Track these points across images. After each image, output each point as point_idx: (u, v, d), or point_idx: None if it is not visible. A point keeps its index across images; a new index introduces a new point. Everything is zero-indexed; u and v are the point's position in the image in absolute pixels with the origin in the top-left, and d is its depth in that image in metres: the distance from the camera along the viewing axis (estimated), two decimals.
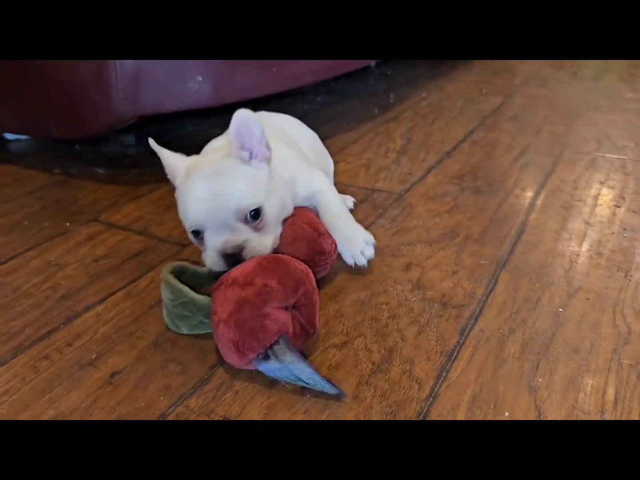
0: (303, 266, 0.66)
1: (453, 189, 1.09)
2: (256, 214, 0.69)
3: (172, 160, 0.75)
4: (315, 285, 0.66)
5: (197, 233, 0.70)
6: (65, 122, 1.15)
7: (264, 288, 0.61)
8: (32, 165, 1.29)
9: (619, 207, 1.00)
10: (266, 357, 0.60)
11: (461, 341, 0.68)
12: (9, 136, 1.43)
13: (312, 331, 0.64)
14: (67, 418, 0.59)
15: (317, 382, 0.59)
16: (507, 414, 0.57)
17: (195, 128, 1.51)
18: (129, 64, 1.05)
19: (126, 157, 1.34)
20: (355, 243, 0.79)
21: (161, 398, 0.61)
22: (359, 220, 0.84)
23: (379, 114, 1.56)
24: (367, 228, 0.93)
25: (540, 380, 0.61)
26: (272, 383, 0.62)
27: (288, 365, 0.59)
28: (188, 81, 1.11)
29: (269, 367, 0.60)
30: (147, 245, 0.93)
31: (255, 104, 1.06)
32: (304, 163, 0.84)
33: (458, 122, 1.49)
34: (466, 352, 0.66)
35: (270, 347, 0.60)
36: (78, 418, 0.59)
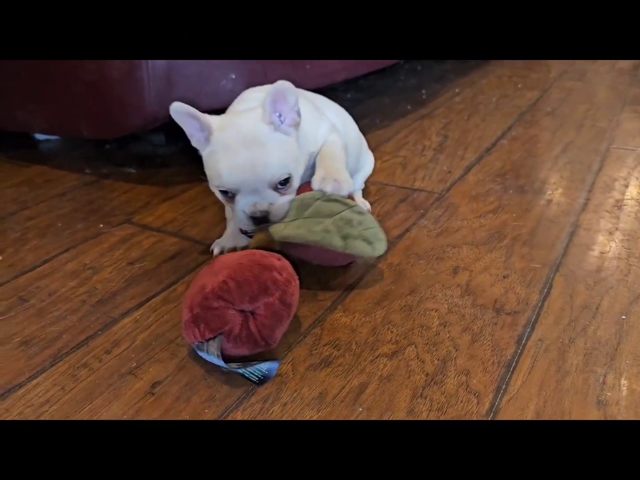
0: (283, 278, 0.63)
1: (496, 187, 1.05)
2: (285, 181, 0.74)
3: (202, 117, 0.73)
4: (290, 301, 0.64)
5: (226, 192, 0.74)
6: (96, 122, 1.13)
7: (223, 284, 0.61)
8: (62, 165, 1.27)
9: None
10: (201, 346, 0.62)
11: (519, 351, 0.64)
12: (39, 136, 1.43)
13: (262, 342, 0.62)
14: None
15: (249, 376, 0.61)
16: None
17: None
18: (160, 63, 1.02)
19: (157, 156, 1.32)
20: (330, 174, 0.77)
21: (206, 410, 0.58)
22: (399, 221, 0.81)
23: (411, 110, 1.52)
24: (409, 229, 0.91)
25: (609, 394, 0.57)
26: (320, 395, 0.59)
27: (214, 362, 0.61)
28: (221, 80, 1.09)
29: (203, 354, 0.62)
30: (182, 247, 0.91)
31: None
32: (318, 120, 0.85)
33: (495, 118, 1.44)
34: (525, 363, 0.62)
35: (207, 340, 0.61)
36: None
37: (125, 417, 0.58)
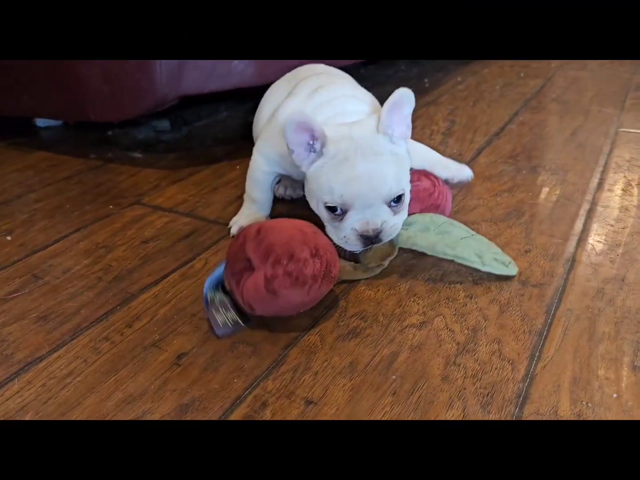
0: (289, 268, 0.60)
1: (509, 168, 1.04)
2: (398, 198, 0.69)
3: (317, 128, 0.67)
4: (278, 289, 0.60)
5: (334, 209, 0.68)
6: (104, 105, 1.11)
7: (258, 228, 0.63)
8: (66, 151, 1.25)
9: None
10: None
11: (549, 320, 0.63)
12: (40, 123, 1.40)
13: (240, 297, 0.63)
14: (137, 400, 0.55)
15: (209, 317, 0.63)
16: (614, 395, 0.53)
17: (230, 113, 1.47)
18: None
19: (161, 142, 1.30)
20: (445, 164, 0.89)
21: (235, 380, 0.57)
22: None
23: (415, 98, 1.51)
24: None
25: None
26: (351, 364, 0.58)
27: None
28: (232, 61, 1.08)
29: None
30: (196, 226, 0.89)
31: None
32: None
33: (500, 105, 1.44)
34: (557, 332, 0.61)
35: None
36: (149, 401, 0.55)
37: (152, 388, 0.56)
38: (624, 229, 0.81)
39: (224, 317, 0.63)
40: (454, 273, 0.73)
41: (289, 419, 0.52)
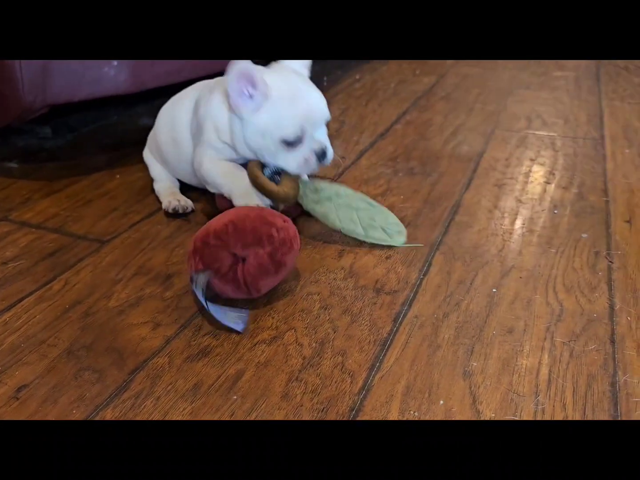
0: (279, 237, 0.67)
1: (387, 171, 1.07)
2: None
3: (260, 79, 0.78)
4: (280, 259, 0.67)
5: (291, 141, 0.79)
6: None
7: (224, 227, 0.67)
8: None
9: (549, 183, 1.01)
10: (194, 277, 0.67)
11: (395, 329, 0.66)
12: None
13: (245, 289, 0.67)
14: None
15: (221, 319, 0.66)
16: (441, 402, 0.55)
17: (120, 117, 1.42)
18: None
19: (42, 150, 1.25)
20: None
21: (74, 411, 0.56)
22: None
23: None
24: (298, 215, 0.90)
25: (475, 364, 0.60)
26: (195, 386, 0.58)
27: (196, 294, 0.66)
28: (103, 66, 1.04)
29: (193, 289, 0.67)
30: (62, 243, 0.86)
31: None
32: None
33: (391, 103, 1.47)
34: (400, 340, 0.64)
35: (196, 271, 0.66)
36: None
37: None
38: (480, 231, 0.85)
39: (236, 314, 0.66)
40: (313, 284, 0.74)
41: None
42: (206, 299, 0.66)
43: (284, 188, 0.80)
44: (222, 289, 0.68)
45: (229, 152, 0.86)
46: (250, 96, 0.78)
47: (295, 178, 0.82)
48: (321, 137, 0.82)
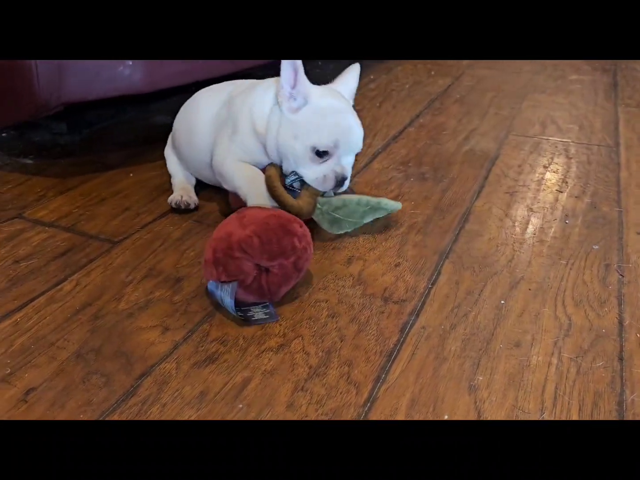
0: (301, 245, 0.69)
1: (398, 175, 1.06)
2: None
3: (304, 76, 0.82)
4: (302, 266, 0.70)
5: (320, 152, 0.80)
6: None
7: (248, 239, 0.66)
8: None
9: (561, 192, 1.00)
10: (216, 287, 0.68)
11: (401, 339, 0.66)
12: None
13: (268, 295, 0.69)
14: None
15: (252, 322, 0.68)
16: (446, 416, 0.55)
17: (136, 114, 1.43)
18: None
19: (57, 146, 1.26)
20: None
21: (81, 416, 0.56)
22: None
23: None
24: (309, 219, 0.90)
25: (480, 378, 0.60)
26: (202, 393, 0.59)
27: (224, 304, 0.68)
28: (117, 66, 1.04)
29: (214, 294, 0.68)
30: (74, 243, 0.87)
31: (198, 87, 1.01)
32: None
33: (405, 105, 1.46)
34: (406, 351, 0.64)
35: (222, 282, 0.67)
36: None
37: None
38: (490, 240, 0.85)
39: (259, 311, 0.69)
40: (321, 290, 0.74)
41: None
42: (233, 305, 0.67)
43: (299, 202, 0.80)
44: (244, 297, 0.69)
45: (255, 151, 0.86)
46: (290, 95, 0.80)
47: (315, 194, 0.82)
48: (347, 164, 0.83)
